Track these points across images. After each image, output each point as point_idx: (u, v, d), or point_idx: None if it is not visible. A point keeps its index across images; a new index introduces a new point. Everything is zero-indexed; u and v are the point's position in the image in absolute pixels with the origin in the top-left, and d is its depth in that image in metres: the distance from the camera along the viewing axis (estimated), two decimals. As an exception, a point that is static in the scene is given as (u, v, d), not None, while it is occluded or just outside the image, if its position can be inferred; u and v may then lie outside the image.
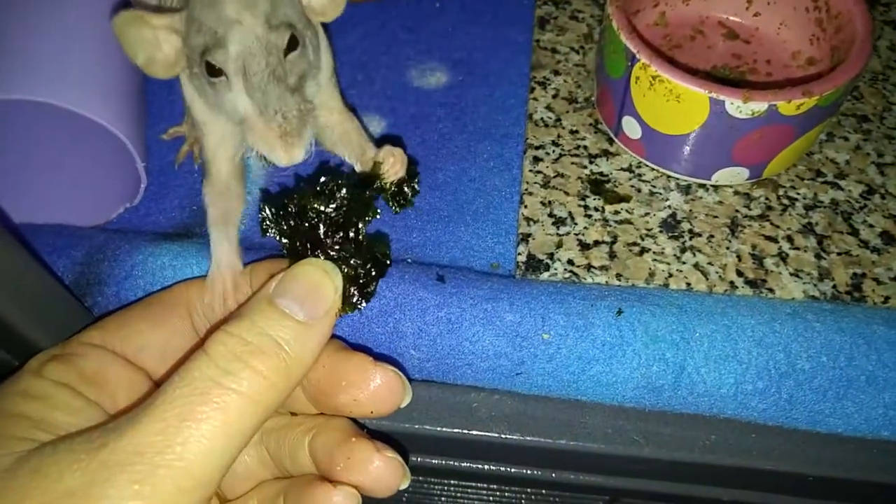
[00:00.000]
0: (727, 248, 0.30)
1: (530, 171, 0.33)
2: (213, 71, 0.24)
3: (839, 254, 0.30)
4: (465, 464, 0.30)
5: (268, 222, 0.22)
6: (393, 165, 0.27)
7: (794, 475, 0.27)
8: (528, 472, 0.30)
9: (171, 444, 0.16)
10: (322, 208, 0.22)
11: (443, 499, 0.35)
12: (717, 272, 0.29)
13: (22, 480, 0.16)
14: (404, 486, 0.22)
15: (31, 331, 0.23)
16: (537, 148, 0.34)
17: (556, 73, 0.37)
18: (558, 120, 0.35)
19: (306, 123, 0.24)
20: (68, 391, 0.20)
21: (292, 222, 0.22)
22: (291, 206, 0.22)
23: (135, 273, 0.27)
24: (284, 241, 0.22)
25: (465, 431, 0.27)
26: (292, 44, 0.24)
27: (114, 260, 0.27)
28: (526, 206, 0.31)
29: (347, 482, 0.21)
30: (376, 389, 0.21)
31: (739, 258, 0.30)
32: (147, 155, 0.32)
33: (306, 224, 0.22)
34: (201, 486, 0.17)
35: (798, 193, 0.32)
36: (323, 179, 0.22)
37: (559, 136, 0.34)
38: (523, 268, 0.29)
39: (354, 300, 0.22)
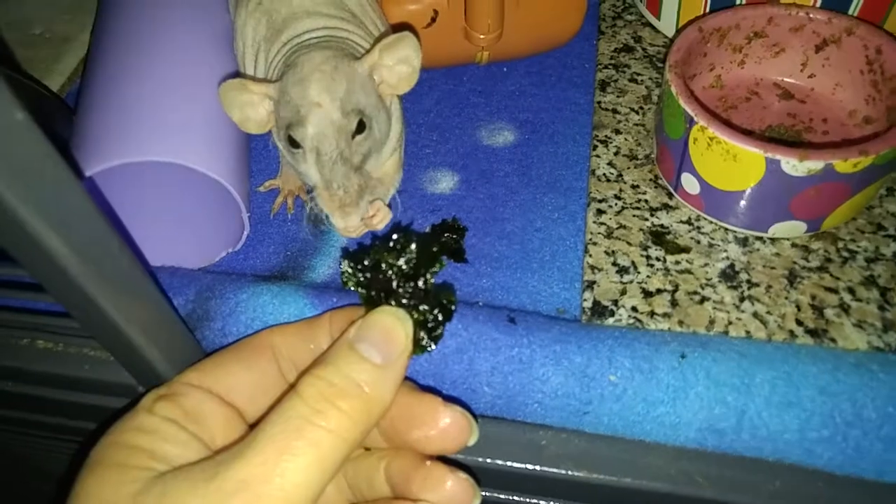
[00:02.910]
0: (786, 298, 0.31)
1: (594, 222, 0.35)
2: (294, 142, 0.29)
3: (902, 306, 0.31)
4: (532, 500, 0.31)
5: (347, 275, 0.25)
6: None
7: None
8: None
9: (272, 476, 0.19)
10: (394, 262, 0.24)
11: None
12: (776, 321, 0.30)
13: (153, 502, 0.19)
14: None
15: (156, 359, 0.26)
16: (600, 201, 0.36)
17: (617, 131, 0.39)
18: (620, 175, 0.37)
19: (363, 195, 0.30)
20: (175, 426, 0.22)
21: (368, 274, 0.24)
22: (367, 261, 0.24)
23: (238, 310, 0.30)
24: (362, 291, 0.24)
25: (534, 467, 0.28)
26: (360, 127, 0.29)
27: (220, 298, 0.30)
28: (590, 255, 0.33)
29: (423, 500, 0.22)
30: (445, 428, 0.23)
31: (799, 308, 0.31)
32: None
33: (380, 276, 0.24)
34: None
35: (859, 246, 0.33)
36: (395, 237, 0.25)
37: (621, 190, 0.36)
38: (589, 313, 0.31)
39: (423, 343, 0.24)
